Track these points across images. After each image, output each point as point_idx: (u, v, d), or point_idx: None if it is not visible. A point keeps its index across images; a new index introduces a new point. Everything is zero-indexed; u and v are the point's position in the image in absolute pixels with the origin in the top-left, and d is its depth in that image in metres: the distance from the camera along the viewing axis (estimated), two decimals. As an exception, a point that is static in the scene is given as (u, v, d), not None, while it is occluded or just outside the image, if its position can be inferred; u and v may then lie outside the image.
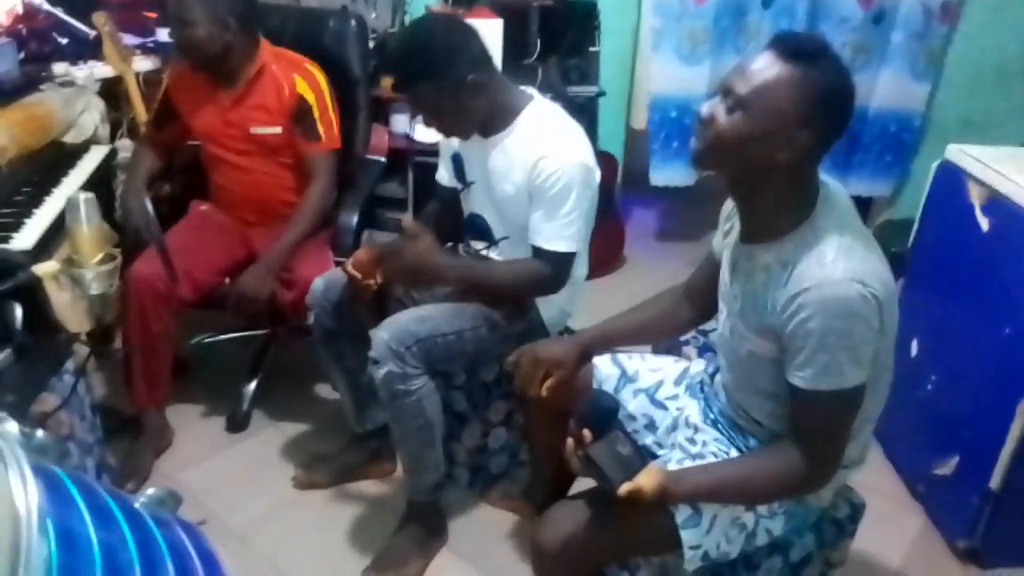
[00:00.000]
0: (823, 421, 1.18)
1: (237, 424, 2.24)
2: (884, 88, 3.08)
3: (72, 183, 2.08)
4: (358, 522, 1.93)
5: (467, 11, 2.91)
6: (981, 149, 1.91)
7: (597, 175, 1.68)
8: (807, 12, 3.01)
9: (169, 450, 2.12)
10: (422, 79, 1.57)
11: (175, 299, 1.94)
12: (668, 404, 1.49)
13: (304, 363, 2.40)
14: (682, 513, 1.24)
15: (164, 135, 2.21)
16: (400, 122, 2.97)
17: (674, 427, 1.45)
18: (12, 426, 0.77)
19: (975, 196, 1.85)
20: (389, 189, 3.06)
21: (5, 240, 1.76)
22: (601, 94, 3.11)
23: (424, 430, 1.68)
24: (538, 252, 1.67)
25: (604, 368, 1.54)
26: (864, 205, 3.30)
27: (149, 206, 1.93)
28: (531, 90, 1.73)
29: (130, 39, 2.59)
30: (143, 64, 2.56)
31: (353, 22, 2.28)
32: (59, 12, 2.50)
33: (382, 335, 1.61)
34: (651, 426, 1.49)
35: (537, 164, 1.60)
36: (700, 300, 1.49)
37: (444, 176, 1.89)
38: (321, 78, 2.10)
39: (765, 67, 1.11)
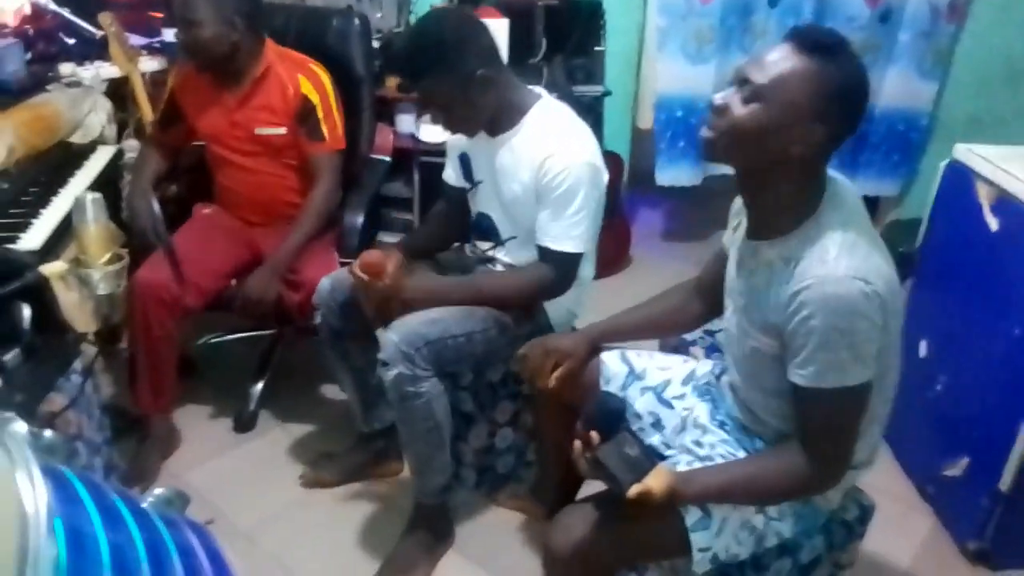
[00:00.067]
0: (827, 420, 1.17)
1: (244, 424, 2.24)
2: (891, 87, 3.07)
3: (79, 183, 2.08)
4: (365, 521, 1.93)
5: (472, 10, 2.91)
6: (989, 148, 1.90)
7: (605, 175, 1.68)
8: (813, 10, 3.00)
9: (176, 450, 2.12)
10: (432, 72, 1.56)
11: (179, 306, 1.92)
12: (675, 403, 1.49)
13: (311, 363, 2.40)
14: (692, 516, 1.23)
15: (169, 136, 2.21)
16: (405, 122, 2.97)
17: (682, 428, 1.45)
18: (20, 426, 0.76)
19: (984, 196, 1.84)
20: (394, 189, 3.06)
21: (13, 240, 1.76)
22: (607, 94, 3.11)
23: (433, 432, 1.67)
24: (544, 252, 1.66)
25: (612, 365, 1.54)
26: (871, 205, 3.28)
27: (156, 207, 1.92)
28: (539, 89, 1.73)
29: (136, 39, 2.60)
30: (149, 64, 2.57)
31: (357, 21, 2.28)
32: (66, 12, 2.51)
33: (392, 337, 1.60)
34: (657, 424, 1.49)
35: (544, 163, 1.60)
36: (710, 295, 1.48)
37: (451, 175, 1.89)
38: (325, 78, 2.09)
39: (783, 58, 1.10)
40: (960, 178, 1.93)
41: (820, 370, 1.12)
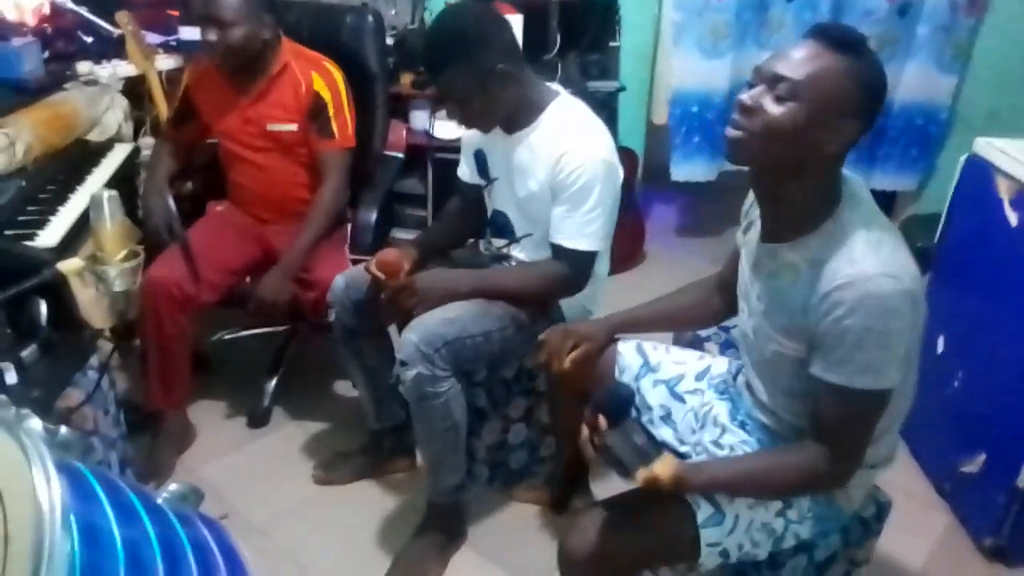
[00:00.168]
0: (849, 420, 1.15)
1: (258, 420, 2.26)
2: (910, 81, 3.04)
3: (96, 181, 2.10)
4: (378, 518, 1.94)
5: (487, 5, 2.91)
6: (1009, 142, 1.87)
7: (620, 173, 1.67)
8: (831, 5, 2.97)
9: (191, 445, 2.14)
10: (452, 65, 1.55)
11: (191, 302, 1.93)
12: (687, 398, 1.48)
13: (324, 359, 2.41)
14: (704, 512, 1.23)
15: (183, 133, 2.22)
16: (419, 118, 2.97)
17: (701, 426, 1.44)
18: (36, 423, 0.77)
19: (1003, 190, 1.81)
20: (408, 185, 3.07)
21: (31, 237, 1.78)
22: (621, 89, 3.10)
23: (450, 432, 1.67)
24: (558, 250, 1.66)
25: (628, 356, 1.54)
26: (889, 199, 3.25)
27: (171, 205, 1.93)
28: (556, 86, 1.72)
29: (153, 37, 2.61)
30: (166, 62, 2.58)
31: (370, 18, 2.28)
32: (84, 11, 2.53)
33: (411, 337, 1.59)
34: (668, 418, 1.48)
35: (560, 160, 1.59)
36: (730, 293, 1.47)
37: (466, 172, 1.88)
38: (339, 76, 2.10)
39: (815, 56, 1.08)
40: (980, 172, 1.90)
41: (855, 370, 1.10)
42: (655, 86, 3.36)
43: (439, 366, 1.59)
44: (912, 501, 1.95)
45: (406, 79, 2.96)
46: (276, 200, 2.19)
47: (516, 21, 2.71)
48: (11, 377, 1.29)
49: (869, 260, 1.08)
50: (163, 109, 2.44)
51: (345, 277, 1.83)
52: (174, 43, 2.67)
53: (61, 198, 1.96)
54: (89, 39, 2.54)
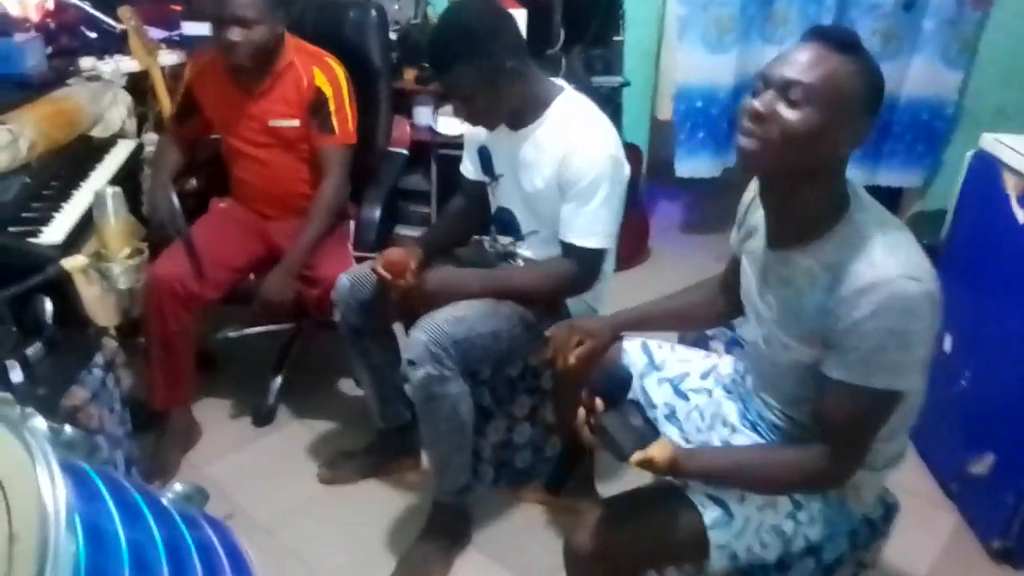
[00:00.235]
0: (856, 419, 1.14)
1: (263, 418, 2.25)
2: (915, 76, 3.02)
3: (99, 177, 2.09)
4: (383, 517, 1.93)
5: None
6: (1017, 138, 1.86)
7: (627, 169, 1.66)
8: (837, -1, 2.96)
9: (197, 443, 2.14)
10: (461, 61, 1.54)
11: (195, 299, 1.93)
12: (692, 396, 1.48)
13: (328, 357, 2.41)
14: (711, 513, 1.23)
15: (186, 129, 2.22)
16: (423, 114, 2.97)
17: (709, 426, 1.43)
18: (40, 422, 0.77)
19: (1011, 187, 1.80)
20: (412, 182, 3.06)
21: (35, 235, 1.77)
22: (625, 84, 3.09)
23: (456, 433, 1.66)
24: (568, 248, 1.65)
25: (632, 354, 1.53)
26: (895, 196, 3.24)
27: (176, 201, 1.93)
28: (561, 81, 1.71)
29: (156, 33, 2.61)
30: (169, 58, 2.58)
31: (374, 13, 2.27)
32: (87, 6, 2.52)
33: (420, 336, 1.58)
34: (672, 416, 1.48)
35: (567, 157, 1.58)
36: (733, 294, 1.47)
37: (470, 169, 1.87)
38: (340, 72, 2.09)
39: (822, 58, 1.07)
40: (987, 168, 1.89)
41: (872, 371, 1.09)
42: (659, 81, 3.34)
43: (447, 366, 1.58)
44: (919, 502, 1.94)
45: (409, 74, 2.95)
46: (279, 196, 2.19)
47: (520, 16, 2.70)
48: (16, 375, 1.29)
49: (890, 262, 1.07)
50: (166, 105, 2.44)
51: (349, 276, 1.82)
52: (177, 38, 2.67)
53: (65, 194, 1.96)
54: (93, 35, 2.53)
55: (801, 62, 1.08)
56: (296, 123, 2.08)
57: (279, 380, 2.31)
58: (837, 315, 1.10)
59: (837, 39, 1.08)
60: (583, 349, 1.49)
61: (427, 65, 1.72)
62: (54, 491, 0.67)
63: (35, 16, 2.50)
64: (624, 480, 1.22)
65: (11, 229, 1.75)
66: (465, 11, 1.63)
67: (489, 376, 1.88)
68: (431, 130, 2.94)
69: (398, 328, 1.93)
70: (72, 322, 1.48)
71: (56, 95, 2.19)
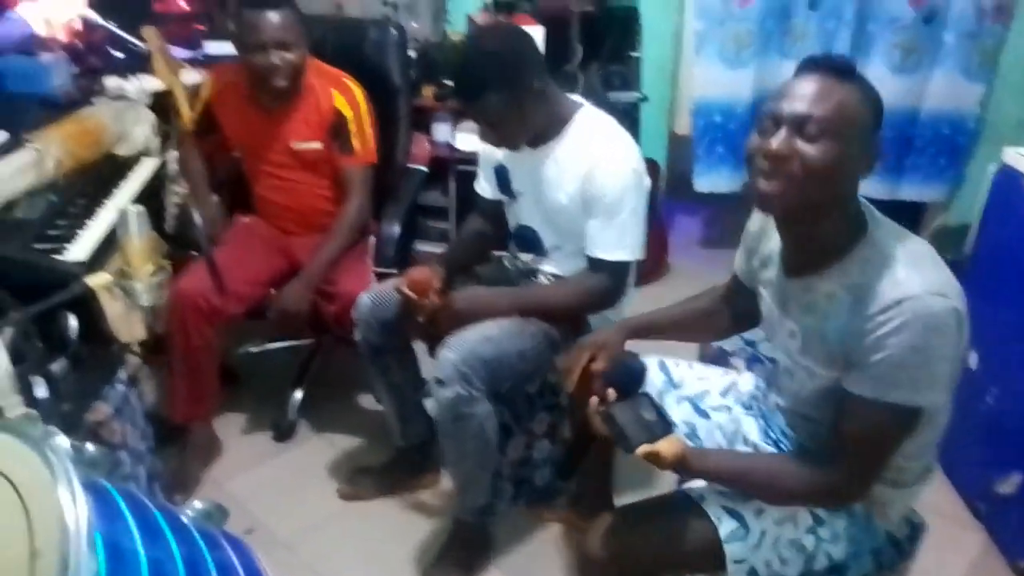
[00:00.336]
0: (876, 435, 1.12)
1: (284, 433, 2.26)
2: (936, 89, 2.99)
3: (124, 194, 2.11)
4: (403, 534, 1.93)
5: (508, 18, 2.91)
6: (1041, 152, 1.84)
7: (648, 182, 1.66)
8: (855, 13, 2.94)
9: (218, 458, 2.15)
10: (490, 88, 1.54)
11: (218, 315, 1.94)
12: (713, 414, 1.47)
13: (349, 372, 2.42)
14: (726, 526, 1.21)
15: (205, 144, 2.24)
16: (442, 131, 2.98)
17: (730, 443, 1.42)
18: (63, 440, 0.78)
19: (1037, 201, 1.78)
20: (431, 198, 3.08)
21: (60, 252, 1.80)
22: (643, 99, 3.09)
23: (481, 452, 1.65)
24: (597, 263, 1.65)
25: (650, 373, 1.52)
26: (918, 210, 3.20)
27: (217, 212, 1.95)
28: (578, 97, 1.72)
29: (179, 52, 2.64)
30: (192, 77, 2.61)
31: (393, 31, 2.30)
32: (112, 26, 2.56)
33: (450, 356, 1.57)
34: (693, 435, 1.47)
35: (590, 173, 1.59)
36: (733, 312, 1.48)
37: (486, 189, 1.88)
38: (359, 93, 2.11)
39: (829, 89, 1.07)
40: (1011, 183, 1.87)
41: (890, 385, 1.08)
42: (677, 96, 3.34)
43: (476, 386, 1.57)
44: (945, 522, 1.91)
45: (428, 92, 2.97)
46: (301, 213, 2.21)
47: (537, 33, 2.72)
48: (41, 391, 1.30)
49: (914, 278, 1.06)
50: (188, 123, 2.47)
51: (370, 296, 1.82)
52: (201, 58, 2.70)
53: (89, 212, 1.98)
54: (119, 54, 2.57)
55: (809, 96, 1.07)
56: (318, 145, 2.10)
57: (299, 395, 2.32)
58: (862, 335, 1.08)
59: (837, 68, 1.08)
60: (599, 363, 1.47)
61: (453, 90, 1.72)
62: (76, 509, 0.68)
63: (63, 37, 2.54)
64: (644, 496, 1.21)
65: (37, 246, 1.78)
66: (488, 38, 1.64)
67: (508, 393, 1.88)
68: (449, 147, 2.96)
69: (418, 346, 1.93)
70: (96, 338, 1.49)
71: (81, 114, 2.22)
